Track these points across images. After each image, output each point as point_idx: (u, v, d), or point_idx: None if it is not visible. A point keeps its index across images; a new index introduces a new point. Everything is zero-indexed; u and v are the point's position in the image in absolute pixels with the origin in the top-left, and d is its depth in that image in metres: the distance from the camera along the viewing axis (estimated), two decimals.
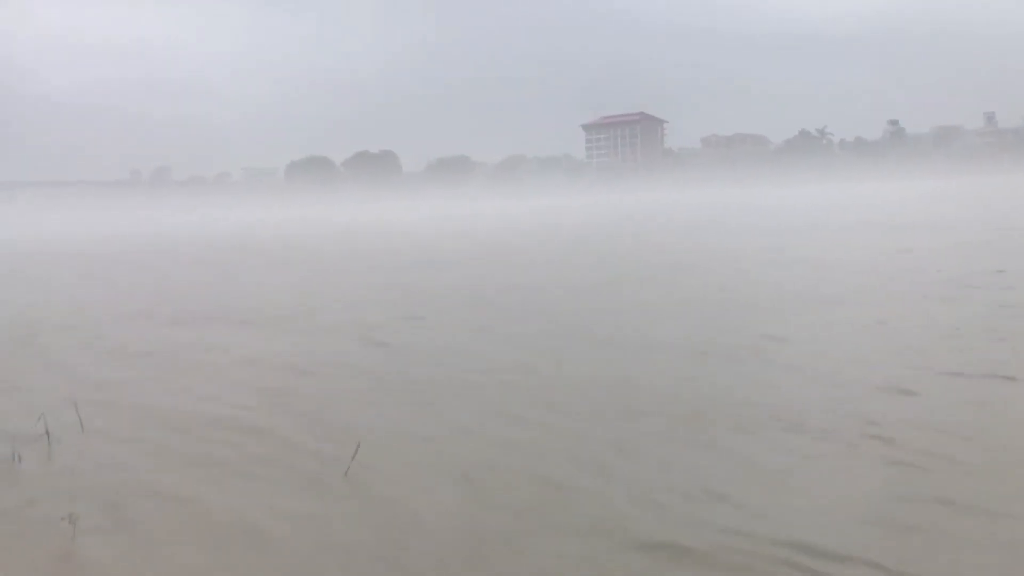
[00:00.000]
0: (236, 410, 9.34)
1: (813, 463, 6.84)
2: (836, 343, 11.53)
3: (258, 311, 18.06)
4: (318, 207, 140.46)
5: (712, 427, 7.90)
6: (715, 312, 14.89)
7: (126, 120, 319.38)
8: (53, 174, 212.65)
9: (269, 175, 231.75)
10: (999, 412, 8.05)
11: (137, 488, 6.89)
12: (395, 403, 9.44)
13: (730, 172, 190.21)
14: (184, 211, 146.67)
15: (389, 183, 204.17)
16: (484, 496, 6.45)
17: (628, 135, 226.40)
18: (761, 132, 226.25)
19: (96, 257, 43.03)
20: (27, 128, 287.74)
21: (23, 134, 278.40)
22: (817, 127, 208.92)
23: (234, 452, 7.80)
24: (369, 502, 6.42)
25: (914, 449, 6.98)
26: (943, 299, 14.77)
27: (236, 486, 6.91)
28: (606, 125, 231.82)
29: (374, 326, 14.88)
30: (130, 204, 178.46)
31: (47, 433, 8.29)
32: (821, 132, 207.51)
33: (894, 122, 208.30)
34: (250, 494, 6.70)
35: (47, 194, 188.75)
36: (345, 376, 11.02)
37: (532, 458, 7.25)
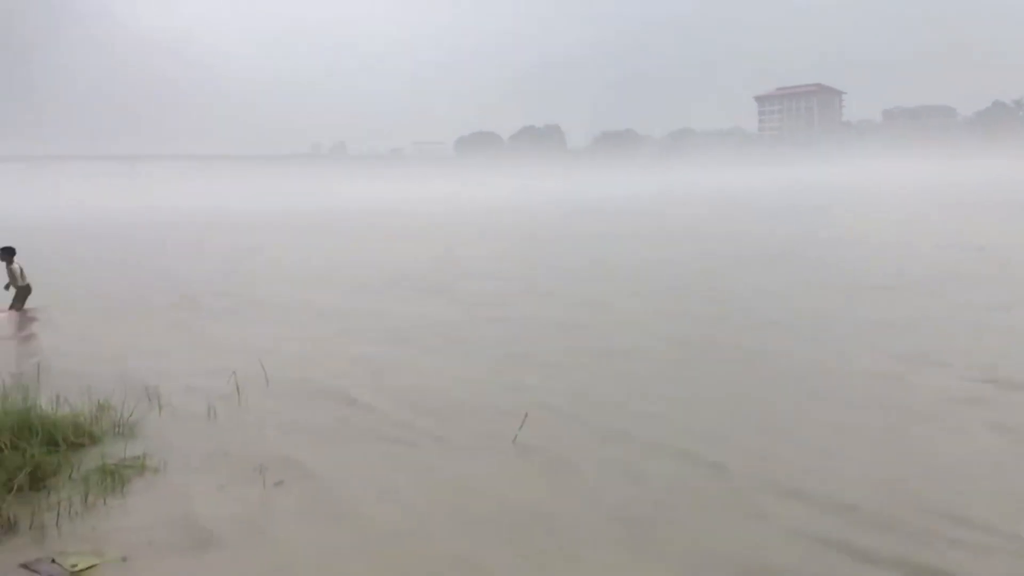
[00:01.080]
0: (422, 374, 9.63)
1: None
2: None
3: (440, 278, 18.57)
4: (486, 181, 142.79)
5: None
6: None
7: (307, 96, 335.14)
8: (241, 148, 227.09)
9: (439, 149, 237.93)
10: None
11: (322, 444, 7.24)
12: (568, 374, 9.50)
13: (913, 146, 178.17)
14: (363, 183, 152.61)
15: (554, 157, 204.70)
16: (637, 470, 6.40)
17: (804, 107, 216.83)
18: (949, 104, 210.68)
19: (294, 228, 45.56)
20: (219, 106, 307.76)
21: (216, 112, 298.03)
22: (1014, 98, 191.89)
23: (407, 413, 8.07)
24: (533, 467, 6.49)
25: None
26: None
27: (410, 447, 7.14)
28: (781, 97, 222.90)
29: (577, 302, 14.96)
30: (312, 177, 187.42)
31: (237, 389, 8.83)
32: (1019, 103, 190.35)
33: None
34: (421, 456, 6.90)
35: (237, 167, 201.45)
36: (515, 342, 11.17)
37: (679, 430, 7.13)
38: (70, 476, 6.26)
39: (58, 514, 5.62)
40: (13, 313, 15.13)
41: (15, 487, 5.84)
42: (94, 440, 7.17)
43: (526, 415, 7.44)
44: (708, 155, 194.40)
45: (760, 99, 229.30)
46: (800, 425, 7.42)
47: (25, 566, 4.92)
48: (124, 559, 5.06)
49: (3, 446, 6.39)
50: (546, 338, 11.79)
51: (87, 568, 4.91)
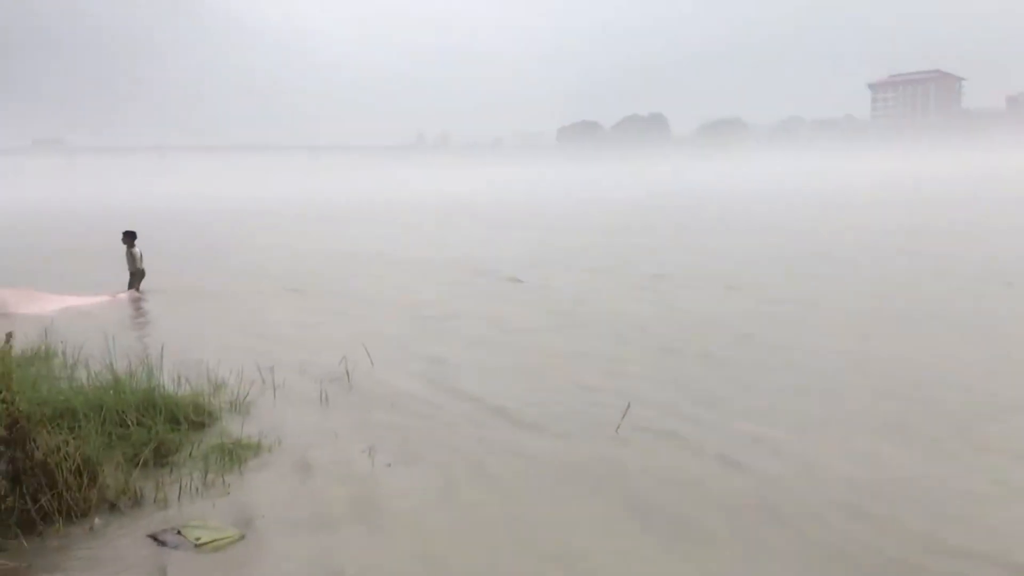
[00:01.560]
0: (514, 358, 9.69)
1: None
2: None
3: (531, 266, 18.61)
4: (587, 170, 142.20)
5: None
6: None
7: (412, 87, 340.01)
8: (350, 139, 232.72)
9: (540, 138, 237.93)
10: None
11: (428, 428, 7.34)
12: (680, 370, 9.38)
13: None
14: (465, 172, 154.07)
15: (658, 146, 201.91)
16: (745, 468, 6.26)
17: (920, 94, 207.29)
18: None
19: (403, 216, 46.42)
20: (329, 98, 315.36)
21: (325, 104, 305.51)
22: None
23: (512, 400, 8.10)
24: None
25: None
26: None
27: (517, 431, 7.17)
28: (896, 83, 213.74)
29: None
30: (416, 166, 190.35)
31: (347, 373, 9.03)
32: None
33: None
34: (525, 440, 6.92)
35: (346, 157, 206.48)
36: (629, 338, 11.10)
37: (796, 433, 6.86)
38: (190, 453, 6.51)
39: (180, 489, 5.85)
40: (132, 294, 15.91)
41: (141, 462, 6.11)
42: (212, 419, 7.44)
43: (628, 405, 7.37)
44: (817, 143, 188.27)
45: (874, 86, 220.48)
46: None
47: (153, 536, 5.14)
48: (242, 535, 5.22)
49: (130, 423, 6.70)
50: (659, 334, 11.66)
51: (209, 542, 5.10)
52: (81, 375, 7.98)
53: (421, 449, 6.76)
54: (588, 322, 12.42)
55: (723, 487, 5.89)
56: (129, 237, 16.18)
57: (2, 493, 4.99)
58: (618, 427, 7.05)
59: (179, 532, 5.20)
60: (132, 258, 16.17)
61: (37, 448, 5.13)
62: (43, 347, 9.91)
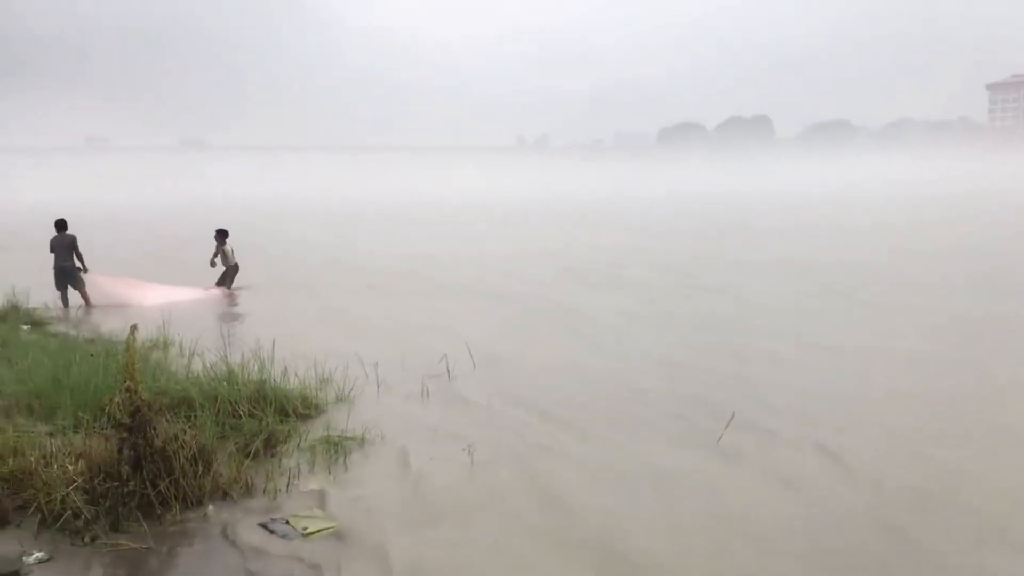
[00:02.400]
0: (620, 363, 9.68)
1: None
2: None
3: (624, 268, 18.48)
4: (689, 172, 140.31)
5: None
6: None
7: (515, 91, 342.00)
8: (450, 140, 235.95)
9: (641, 140, 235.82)
10: None
11: (528, 429, 7.37)
12: (787, 382, 9.21)
13: None
14: (565, 173, 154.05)
15: (762, 148, 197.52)
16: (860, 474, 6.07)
17: None
18: None
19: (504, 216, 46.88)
20: (432, 99, 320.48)
21: (436, 105, 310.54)
22: None
23: (616, 405, 8.09)
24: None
25: None
26: None
27: (617, 436, 7.13)
28: (1018, 84, 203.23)
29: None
30: (517, 168, 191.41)
31: (447, 371, 9.14)
32: None
33: None
34: (627, 445, 6.87)
35: (447, 157, 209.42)
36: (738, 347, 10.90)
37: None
38: (299, 445, 6.70)
39: (288, 480, 6.03)
40: (224, 289, 16.55)
41: (252, 452, 6.32)
42: (318, 411, 7.65)
43: (733, 414, 7.23)
44: (930, 146, 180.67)
45: (993, 87, 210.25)
46: None
47: (263, 525, 5.31)
48: (346, 526, 5.34)
49: (242, 413, 6.94)
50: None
51: (316, 532, 5.23)
52: (196, 365, 8.31)
53: (520, 450, 6.78)
54: (709, 324, 12.27)
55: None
56: (221, 235, 16.85)
57: (124, 477, 5.24)
58: (719, 438, 6.91)
59: (287, 521, 5.35)
60: (225, 255, 16.82)
61: (156, 435, 5.36)
62: (161, 338, 10.39)
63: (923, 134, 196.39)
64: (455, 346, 10.04)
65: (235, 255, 16.95)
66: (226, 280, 16.80)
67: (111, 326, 12.14)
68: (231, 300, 15.94)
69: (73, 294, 15.10)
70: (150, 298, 15.26)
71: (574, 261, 21.32)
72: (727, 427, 7.02)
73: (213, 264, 16.82)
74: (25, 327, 12.14)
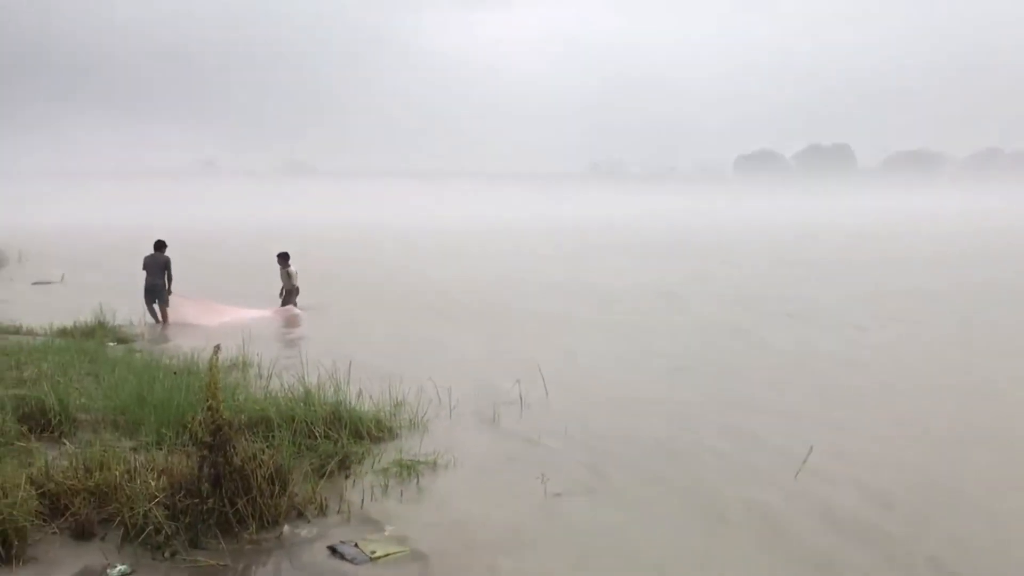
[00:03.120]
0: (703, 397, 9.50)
1: None
2: None
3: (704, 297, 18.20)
4: (767, 200, 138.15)
5: None
6: None
7: (588, 115, 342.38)
8: (524, 166, 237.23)
9: (717, 168, 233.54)
10: None
11: (599, 460, 7.28)
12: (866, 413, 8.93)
13: None
14: (638, 200, 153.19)
15: (842, 178, 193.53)
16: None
17: None
18: None
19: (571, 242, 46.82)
20: (504, 125, 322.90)
21: (501, 130, 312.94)
22: None
23: (690, 438, 8.00)
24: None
25: None
26: None
27: (693, 470, 7.04)
28: None
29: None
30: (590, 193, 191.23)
31: (520, 397, 9.12)
32: None
33: None
34: (708, 480, 6.75)
35: (521, 184, 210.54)
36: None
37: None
38: (372, 467, 6.75)
39: (361, 502, 6.07)
40: (290, 309, 16.89)
41: (327, 473, 6.39)
42: (392, 435, 7.70)
43: (811, 448, 7.03)
44: (1021, 178, 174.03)
45: None
46: None
47: (331, 548, 5.35)
48: (416, 551, 5.34)
49: (318, 435, 7.04)
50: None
51: (383, 555, 5.25)
52: (274, 385, 8.46)
53: (591, 483, 6.72)
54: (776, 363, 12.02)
55: None
56: (283, 258, 17.28)
57: (204, 495, 5.34)
58: (797, 473, 6.72)
59: (356, 545, 5.38)
60: (288, 276, 17.23)
61: (236, 454, 5.46)
62: (241, 357, 10.62)
63: (1013, 163, 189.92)
64: (528, 372, 10.02)
65: (298, 277, 17.35)
66: (289, 300, 17.19)
67: (193, 344, 12.47)
68: (299, 321, 16.30)
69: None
70: (223, 318, 15.76)
71: (668, 286, 21.17)
72: (804, 463, 6.85)
73: (281, 293, 17.28)
74: (111, 344, 12.59)
